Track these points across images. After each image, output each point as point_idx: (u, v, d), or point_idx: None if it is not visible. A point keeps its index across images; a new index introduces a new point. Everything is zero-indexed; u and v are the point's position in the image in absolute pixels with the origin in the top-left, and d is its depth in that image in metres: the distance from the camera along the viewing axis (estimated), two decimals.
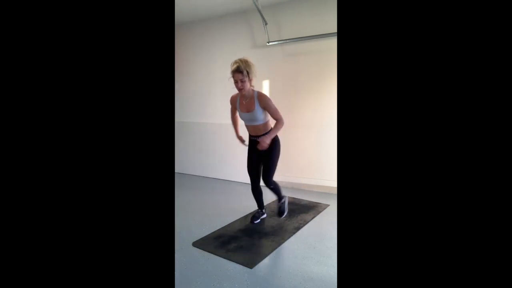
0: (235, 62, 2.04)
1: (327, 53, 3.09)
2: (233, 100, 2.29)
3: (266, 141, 2.05)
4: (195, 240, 2.13)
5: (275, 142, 2.22)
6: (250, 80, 2.07)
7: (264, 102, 2.10)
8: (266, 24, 3.30)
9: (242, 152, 3.56)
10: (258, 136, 2.22)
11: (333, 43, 3.04)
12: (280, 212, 2.44)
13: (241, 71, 2.00)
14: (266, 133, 2.18)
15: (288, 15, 3.31)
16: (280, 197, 2.42)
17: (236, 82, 2.06)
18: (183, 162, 4.25)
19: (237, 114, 2.33)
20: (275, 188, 2.33)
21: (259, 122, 2.17)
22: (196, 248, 2.01)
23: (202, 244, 2.07)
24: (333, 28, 2.99)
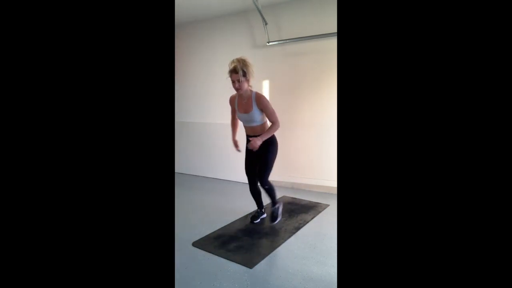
0: (232, 61, 2.03)
1: (327, 53, 3.09)
2: (231, 101, 2.28)
3: (257, 142, 2.03)
4: (195, 240, 2.13)
5: (272, 143, 2.20)
6: (247, 80, 2.06)
7: (262, 104, 2.08)
8: (266, 24, 3.30)
9: (242, 152, 3.57)
10: (256, 137, 2.19)
11: (333, 43, 3.04)
12: (273, 218, 2.35)
13: (237, 71, 1.99)
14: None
15: (288, 15, 3.31)
16: (274, 201, 2.36)
17: (233, 82, 2.04)
18: (183, 162, 4.25)
19: (236, 116, 2.32)
20: (270, 189, 2.29)
21: (257, 123, 2.16)
22: (196, 248, 2.01)
23: (202, 244, 2.07)
24: (333, 28, 2.98)
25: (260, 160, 2.22)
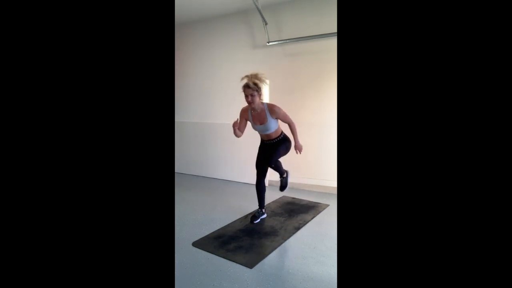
0: (245, 76, 2.13)
1: (327, 53, 3.09)
2: (244, 113, 2.35)
3: (300, 146, 2.38)
4: (195, 240, 2.13)
5: (286, 140, 2.37)
6: (260, 95, 2.16)
7: (275, 113, 2.22)
8: (266, 24, 3.30)
9: (242, 152, 3.57)
10: (270, 141, 2.37)
11: (333, 43, 3.04)
12: (282, 186, 2.53)
13: (250, 86, 2.10)
14: (278, 137, 2.36)
15: (288, 15, 3.31)
16: (281, 172, 2.50)
17: (246, 96, 2.15)
18: (183, 162, 4.24)
19: (245, 127, 2.40)
20: (276, 165, 2.41)
21: (272, 131, 2.31)
22: (196, 248, 2.01)
23: (202, 244, 2.07)
24: (333, 28, 2.98)
25: (274, 152, 2.34)
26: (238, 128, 2.28)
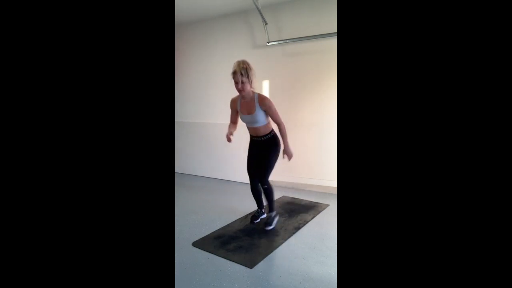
0: (236, 63, 2.07)
1: (327, 53, 3.09)
2: (233, 103, 2.28)
3: (291, 152, 2.23)
4: (195, 240, 2.13)
5: (275, 144, 2.26)
6: (250, 82, 2.09)
7: (265, 105, 2.12)
8: (266, 24, 3.30)
9: (242, 152, 3.56)
10: (259, 137, 2.25)
11: (333, 43, 3.04)
12: (267, 223, 2.34)
13: (241, 73, 2.03)
14: (266, 134, 2.24)
15: (288, 15, 3.31)
16: (271, 206, 2.39)
17: (236, 83, 2.08)
18: (183, 162, 4.24)
19: (237, 119, 2.32)
20: (268, 190, 2.31)
21: (260, 124, 2.19)
22: (196, 248, 2.01)
23: (202, 244, 2.07)
24: (333, 28, 2.98)
25: (262, 160, 2.26)
26: (230, 121, 2.26)
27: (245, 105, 2.18)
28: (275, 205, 2.46)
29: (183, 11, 3.57)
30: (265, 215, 2.57)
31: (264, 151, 2.24)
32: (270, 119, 2.23)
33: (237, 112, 2.27)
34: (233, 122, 2.31)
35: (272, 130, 2.27)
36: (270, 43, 3.38)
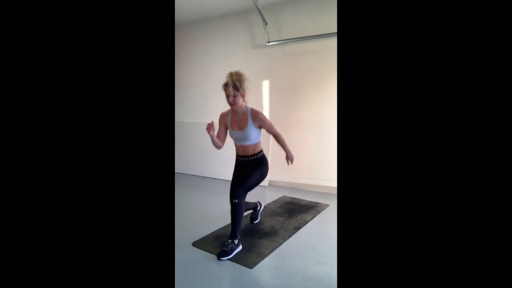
0: (228, 74, 1.92)
1: (327, 53, 3.09)
2: (223, 117, 2.09)
3: (292, 157, 2.05)
4: (195, 240, 2.13)
5: (264, 163, 2.09)
6: (242, 96, 1.93)
7: (259, 120, 1.97)
8: (266, 24, 3.30)
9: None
10: (246, 157, 2.06)
11: (333, 43, 3.04)
12: (222, 253, 1.88)
13: (233, 85, 1.88)
14: (255, 154, 2.05)
15: (288, 15, 3.32)
16: (234, 232, 1.95)
17: (227, 96, 1.93)
18: (183, 162, 4.24)
19: (225, 136, 2.10)
20: (238, 206, 1.93)
21: (250, 142, 2.02)
22: (196, 248, 2.01)
23: (202, 244, 2.07)
24: (333, 28, 2.99)
25: (246, 176, 2.03)
26: (217, 136, 1.98)
27: (236, 120, 2.01)
28: (240, 229, 1.98)
29: (183, 11, 3.57)
30: (262, 207, 2.53)
31: (250, 170, 2.03)
32: (260, 138, 2.07)
33: (226, 128, 2.08)
34: (221, 138, 2.05)
35: (261, 150, 2.10)
36: (270, 43, 3.38)
